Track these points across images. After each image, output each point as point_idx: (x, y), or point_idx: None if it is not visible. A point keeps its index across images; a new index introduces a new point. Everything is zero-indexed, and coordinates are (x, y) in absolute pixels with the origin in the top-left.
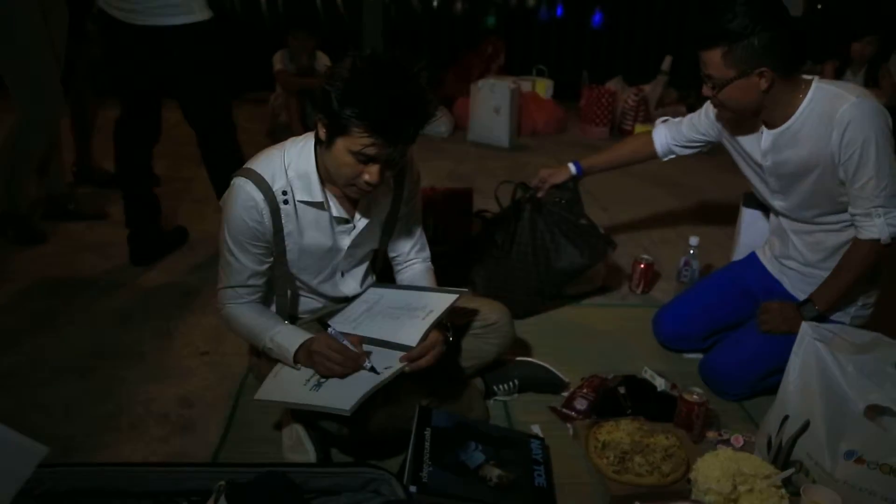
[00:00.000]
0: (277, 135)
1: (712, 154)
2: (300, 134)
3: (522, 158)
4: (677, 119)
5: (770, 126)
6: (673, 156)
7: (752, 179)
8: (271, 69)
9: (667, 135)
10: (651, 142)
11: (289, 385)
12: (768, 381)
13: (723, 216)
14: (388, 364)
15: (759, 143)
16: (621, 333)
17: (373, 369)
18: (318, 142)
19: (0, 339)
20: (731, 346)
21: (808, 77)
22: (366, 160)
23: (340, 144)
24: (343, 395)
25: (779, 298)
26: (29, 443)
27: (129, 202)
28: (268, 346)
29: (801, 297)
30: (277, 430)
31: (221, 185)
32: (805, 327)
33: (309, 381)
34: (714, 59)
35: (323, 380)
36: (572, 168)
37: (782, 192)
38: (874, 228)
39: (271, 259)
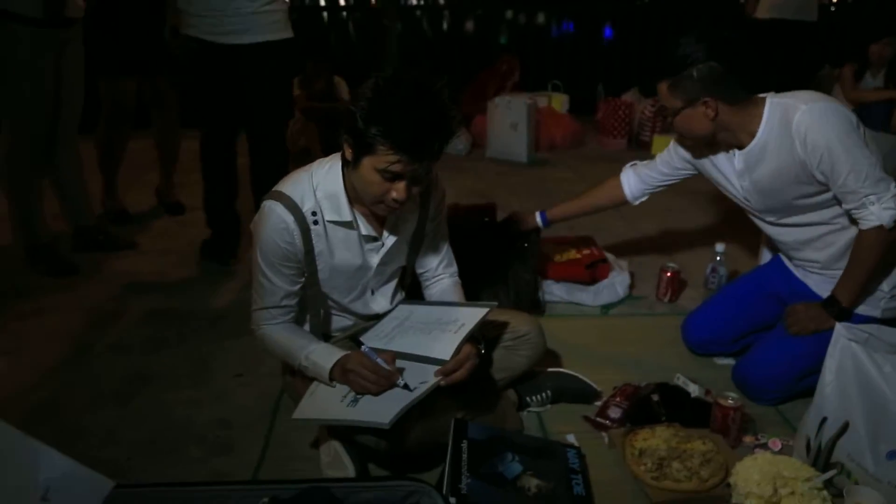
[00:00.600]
0: (297, 160)
1: None
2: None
3: (541, 173)
4: (646, 162)
5: (740, 147)
6: (645, 198)
7: (740, 204)
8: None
9: (636, 180)
10: (619, 186)
11: (326, 402)
12: (802, 384)
13: (746, 222)
14: (423, 378)
15: (733, 166)
16: (651, 342)
17: (406, 386)
18: (344, 162)
19: (38, 368)
20: (761, 351)
21: (763, 95)
22: (392, 177)
23: (367, 163)
24: (380, 409)
25: (804, 300)
26: (98, 477)
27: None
28: (303, 365)
29: (826, 296)
30: (315, 448)
31: None
32: (839, 328)
33: (346, 397)
34: (662, 91)
35: (360, 395)
36: (538, 218)
37: (770, 211)
38: (872, 216)
39: (303, 279)
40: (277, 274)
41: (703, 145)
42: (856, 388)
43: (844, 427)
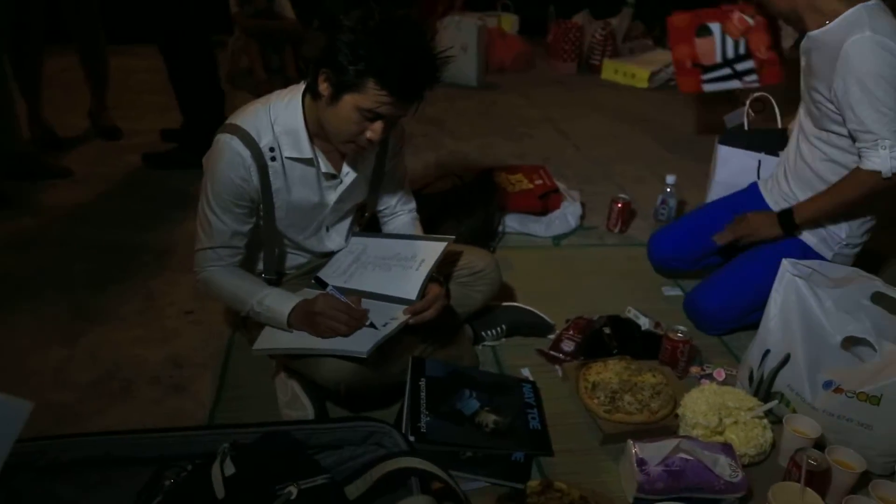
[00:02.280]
0: (238, 80)
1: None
2: (262, 78)
3: (492, 97)
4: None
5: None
6: None
7: None
8: (228, 11)
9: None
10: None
11: (292, 332)
12: (750, 318)
13: (695, 152)
14: (387, 315)
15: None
16: (602, 273)
17: (372, 325)
18: (313, 95)
19: None
20: (713, 283)
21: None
22: (373, 118)
23: (349, 100)
24: (355, 339)
25: None
26: (12, 400)
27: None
28: (255, 311)
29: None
30: (270, 387)
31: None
32: (785, 263)
33: None
34: None
35: None
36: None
37: (807, 113)
38: (877, 159)
39: (253, 219)
40: (227, 212)
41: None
42: (798, 321)
43: (786, 359)
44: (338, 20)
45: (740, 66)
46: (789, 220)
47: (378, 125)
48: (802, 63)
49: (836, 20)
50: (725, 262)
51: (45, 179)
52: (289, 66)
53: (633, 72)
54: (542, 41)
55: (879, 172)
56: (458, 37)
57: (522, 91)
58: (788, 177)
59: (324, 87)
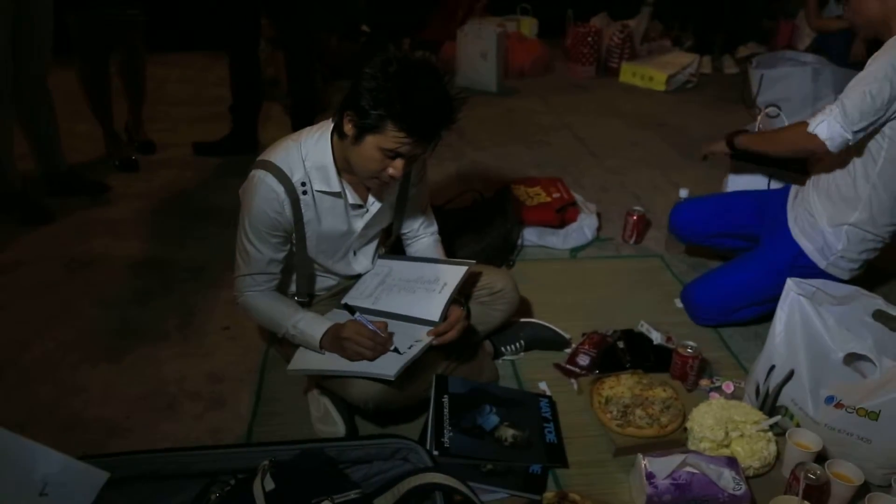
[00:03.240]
0: (266, 90)
1: (699, 89)
2: (287, 89)
3: (511, 103)
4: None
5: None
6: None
7: None
8: None
9: None
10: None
11: (324, 354)
12: (738, 314)
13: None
14: (414, 337)
15: None
16: (617, 285)
17: (396, 350)
18: (340, 135)
19: (27, 325)
20: (709, 278)
21: None
22: (394, 156)
23: (371, 141)
24: (381, 362)
25: (777, 226)
26: (93, 470)
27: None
28: (290, 333)
29: (796, 234)
30: (304, 402)
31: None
32: (790, 283)
33: None
34: None
35: None
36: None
37: None
38: (821, 122)
39: (288, 247)
40: (264, 242)
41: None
42: (802, 338)
43: (790, 374)
44: (363, 67)
45: None
46: (733, 140)
47: (399, 163)
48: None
49: None
50: (735, 249)
51: (86, 195)
52: (317, 76)
53: (650, 74)
54: (561, 44)
55: (815, 135)
56: (479, 44)
57: (541, 95)
58: (810, 192)
59: (348, 128)
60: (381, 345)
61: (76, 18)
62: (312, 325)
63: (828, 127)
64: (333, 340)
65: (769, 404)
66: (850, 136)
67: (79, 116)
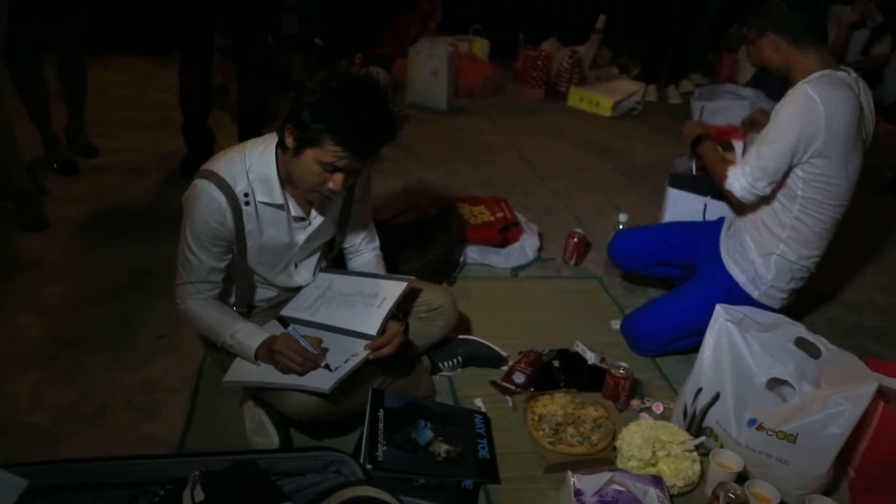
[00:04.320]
0: (213, 99)
1: (644, 116)
2: (235, 98)
3: (459, 122)
4: None
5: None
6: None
7: None
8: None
9: None
10: None
11: (260, 367)
12: (676, 344)
13: (652, 182)
14: (350, 351)
15: None
16: (556, 305)
17: (327, 366)
18: (282, 148)
19: None
20: (647, 310)
21: (827, 71)
22: (333, 170)
23: (310, 154)
24: (318, 375)
25: (711, 258)
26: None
27: (192, 130)
28: (228, 343)
29: (729, 264)
30: (238, 412)
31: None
32: (719, 309)
33: None
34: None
35: None
36: None
37: None
38: (735, 184)
39: (229, 256)
40: (205, 251)
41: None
42: (728, 362)
43: (716, 397)
44: (305, 82)
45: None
46: (695, 144)
47: (339, 177)
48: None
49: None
50: (672, 277)
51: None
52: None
53: (597, 100)
54: (512, 66)
55: (732, 186)
56: (430, 62)
57: (490, 116)
58: (738, 223)
59: (289, 141)
60: (312, 361)
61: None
62: (249, 336)
63: (740, 186)
64: (267, 352)
65: (696, 425)
66: (759, 192)
67: (17, 117)
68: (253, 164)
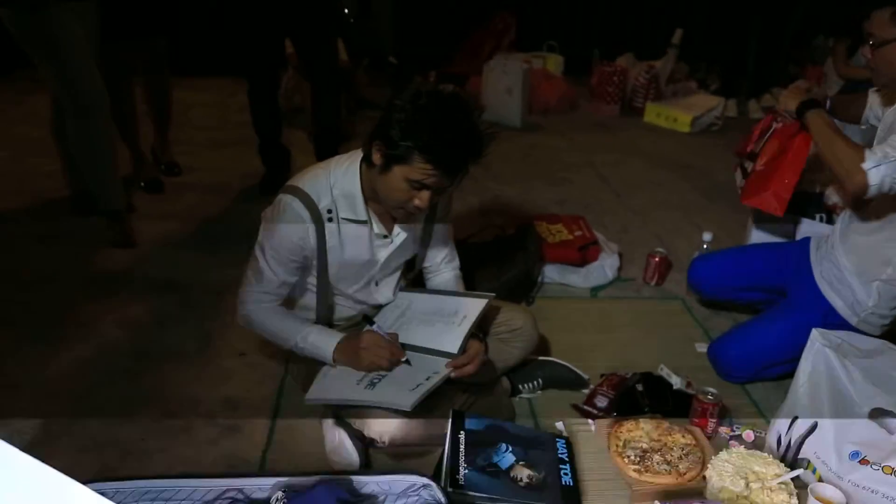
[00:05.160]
0: (291, 118)
1: (723, 132)
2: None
3: (533, 139)
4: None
5: None
6: None
7: None
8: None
9: None
10: None
11: (341, 384)
12: (768, 371)
13: (735, 202)
14: (430, 369)
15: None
16: (637, 326)
17: (407, 361)
18: (368, 164)
19: (47, 343)
20: (736, 337)
21: None
22: (420, 187)
23: (398, 172)
24: (399, 393)
25: (803, 284)
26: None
27: (267, 149)
28: (299, 346)
29: (825, 288)
30: (318, 431)
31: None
32: (815, 333)
33: (362, 380)
34: (882, 17)
35: (377, 379)
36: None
37: None
38: (876, 171)
39: (301, 273)
40: (281, 265)
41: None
42: (826, 390)
43: (813, 427)
44: (395, 99)
45: (748, 167)
46: (805, 109)
47: (425, 194)
48: (885, 124)
49: None
50: (757, 302)
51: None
52: (341, 105)
53: (675, 116)
54: (586, 82)
55: (865, 182)
56: (504, 79)
57: (565, 133)
58: (836, 244)
59: (377, 158)
60: (397, 353)
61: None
62: (324, 337)
63: (880, 175)
64: (348, 350)
65: (791, 456)
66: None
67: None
68: (337, 181)
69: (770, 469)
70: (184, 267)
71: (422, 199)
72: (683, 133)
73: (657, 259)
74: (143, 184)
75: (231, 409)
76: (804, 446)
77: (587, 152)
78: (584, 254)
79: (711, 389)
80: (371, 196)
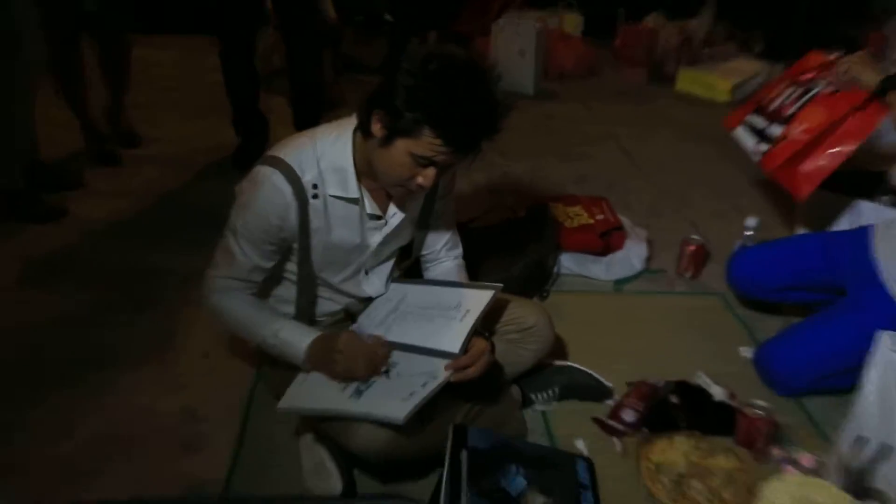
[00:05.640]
0: (269, 81)
1: None
2: None
3: (549, 108)
4: None
5: None
6: None
7: None
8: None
9: None
10: None
11: (322, 391)
12: (824, 383)
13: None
14: (427, 372)
15: None
16: (670, 326)
17: (386, 373)
18: (365, 134)
19: None
20: (788, 341)
21: None
22: (427, 164)
23: (401, 145)
24: (389, 404)
25: (862, 275)
26: None
27: (242, 118)
28: (269, 343)
29: (892, 285)
30: (294, 446)
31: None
32: (884, 338)
33: (347, 388)
34: None
35: (364, 387)
36: None
37: None
38: None
39: (278, 257)
40: (254, 247)
41: None
42: None
43: (885, 450)
44: (398, 61)
45: (771, 130)
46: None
47: (430, 171)
48: None
49: None
50: (809, 302)
51: (56, 192)
52: (326, 66)
53: (713, 83)
54: (610, 45)
55: None
56: (515, 41)
57: (584, 101)
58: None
59: (377, 129)
60: (380, 360)
61: None
62: (297, 334)
63: None
64: (322, 352)
65: (858, 485)
66: None
67: (55, 102)
68: (325, 152)
69: (834, 500)
70: (137, 253)
71: (426, 176)
72: (722, 103)
73: (693, 248)
74: (95, 156)
75: (192, 421)
76: (874, 473)
77: (610, 124)
78: (606, 241)
79: (761, 403)
80: (364, 171)
